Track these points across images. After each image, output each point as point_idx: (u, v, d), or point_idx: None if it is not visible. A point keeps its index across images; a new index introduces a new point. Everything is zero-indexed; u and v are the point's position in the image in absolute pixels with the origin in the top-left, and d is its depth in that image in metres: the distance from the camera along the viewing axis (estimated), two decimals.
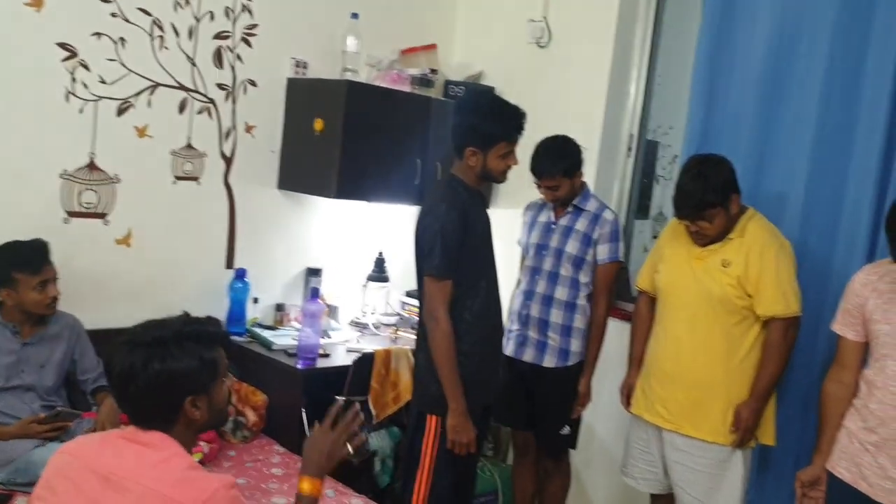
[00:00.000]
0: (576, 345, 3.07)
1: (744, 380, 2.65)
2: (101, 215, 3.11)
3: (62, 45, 2.92)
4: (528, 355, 3.10)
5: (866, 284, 2.35)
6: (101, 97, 3.03)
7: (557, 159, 2.99)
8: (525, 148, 2.85)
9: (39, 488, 1.65)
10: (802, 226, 2.92)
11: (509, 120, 2.61)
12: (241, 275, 3.52)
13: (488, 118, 2.59)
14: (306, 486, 1.75)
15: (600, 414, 3.51)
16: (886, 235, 2.20)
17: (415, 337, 2.78)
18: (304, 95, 3.54)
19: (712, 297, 2.64)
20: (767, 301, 2.59)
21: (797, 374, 2.86)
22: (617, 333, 3.27)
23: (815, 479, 2.43)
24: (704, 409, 2.67)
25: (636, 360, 2.95)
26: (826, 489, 2.41)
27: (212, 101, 3.35)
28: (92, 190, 3.07)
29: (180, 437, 1.62)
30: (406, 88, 3.68)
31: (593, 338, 3.09)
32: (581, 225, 3.05)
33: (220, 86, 3.37)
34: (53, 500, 1.59)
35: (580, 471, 3.64)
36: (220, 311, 3.49)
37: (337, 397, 3.21)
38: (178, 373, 1.59)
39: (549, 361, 3.08)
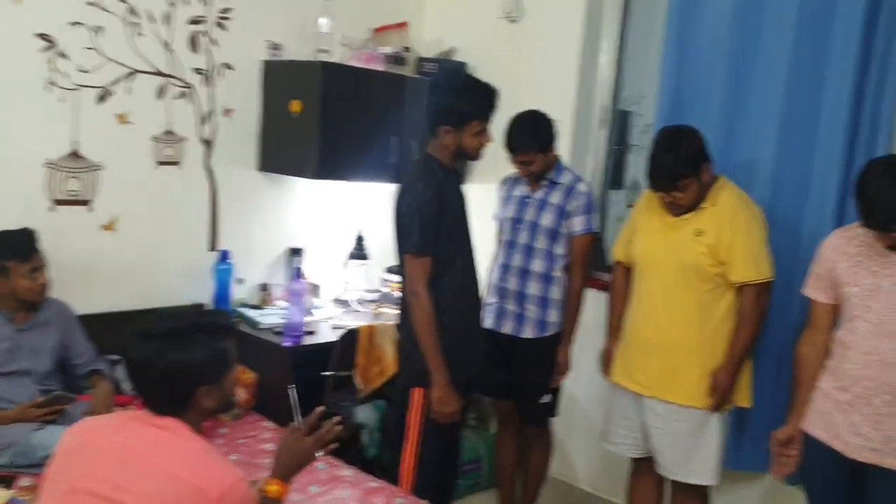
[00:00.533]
0: (553, 315, 3.14)
1: (719, 345, 2.73)
2: (86, 202, 3.14)
3: (40, 36, 2.93)
4: (507, 327, 3.18)
5: (836, 248, 2.42)
6: (81, 86, 3.05)
7: (531, 135, 3.03)
8: (499, 123, 2.91)
9: (52, 468, 1.68)
10: (773, 192, 2.99)
11: (482, 98, 2.65)
12: (224, 256, 3.56)
13: (461, 97, 2.63)
14: (274, 488, 1.84)
15: (580, 382, 3.59)
16: (855, 200, 2.27)
17: (397, 312, 2.85)
18: (279, 77, 3.56)
19: (686, 265, 2.71)
20: (740, 268, 2.66)
21: (771, 338, 2.93)
22: (594, 303, 3.34)
23: (790, 438, 2.51)
24: (681, 375, 2.75)
25: (614, 329, 3.02)
26: (800, 448, 2.51)
27: (189, 85, 3.37)
28: (76, 178, 3.10)
29: (192, 422, 1.68)
30: (380, 67, 3.71)
31: (570, 308, 3.16)
32: (555, 198, 3.11)
33: (197, 70, 3.39)
34: (67, 479, 1.62)
35: (562, 438, 3.74)
36: (206, 293, 3.53)
37: (323, 373, 3.31)
38: (191, 363, 1.66)
39: (527, 332, 3.15)
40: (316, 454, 1.90)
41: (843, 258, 2.40)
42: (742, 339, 2.71)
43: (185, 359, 1.65)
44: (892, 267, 2.28)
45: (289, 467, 1.87)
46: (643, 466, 2.99)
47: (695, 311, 2.73)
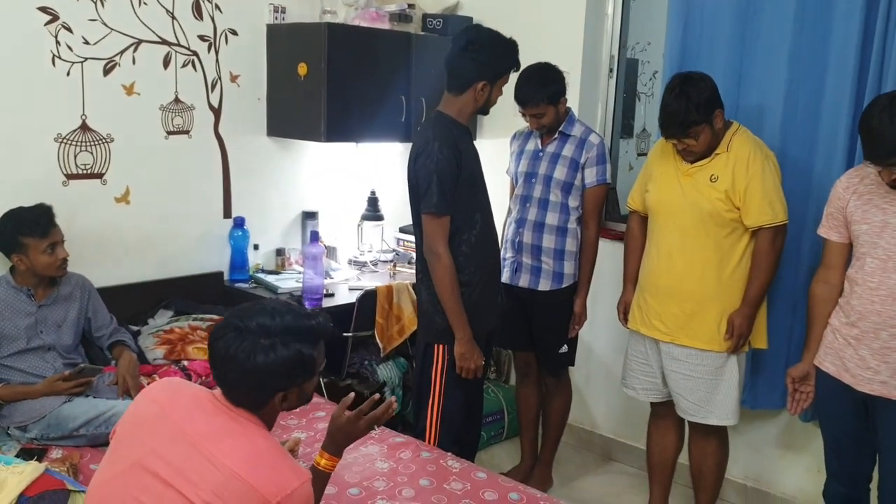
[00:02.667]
0: (569, 267, 3.17)
1: (736, 289, 2.77)
2: (99, 175, 3.16)
3: (43, 10, 2.91)
4: (524, 280, 3.21)
5: (848, 188, 2.45)
6: (86, 58, 3.04)
7: (541, 87, 3.03)
8: (510, 77, 2.90)
9: (124, 429, 1.70)
10: (783, 136, 3.00)
11: (514, 52, 2.72)
12: (239, 223, 3.58)
13: (497, 52, 2.67)
14: (324, 461, 1.89)
15: (597, 332, 3.64)
16: (861, 138, 2.30)
17: (413, 271, 2.87)
18: (285, 41, 3.54)
19: (702, 211, 2.73)
20: (755, 212, 2.68)
21: (784, 280, 2.97)
22: (609, 254, 3.37)
23: (805, 374, 2.58)
24: (699, 319, 2.79)
25: (631, 277, 3.05)
26: (814, 383, 2.57)
27: (195, 53, 3.36)
28: (87, 151, 3.10)
29: (265, 417, 1.68)
30: (385, 26, 3.69)
31: (585, 259, 3.19)
32: (568, 150, 3.12)
33: (202, 37, 3.37)
34: (135, 450, 1.63)
35: (580, 386, 3.80)
36: (223, 260, 3.57)
37: (344, 334, 3.35)
38: (277, 369, 1.62)
39: (544, 285, 3.18)
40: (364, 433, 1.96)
41: (853, 197, 2.43)
42: (758, 282, 2.74)
43: (271, 364, 1.61)
44: None
45: (341, 445, 1.93)
46: (662, 410, 3.06)
47: (712, 257, 2.76)
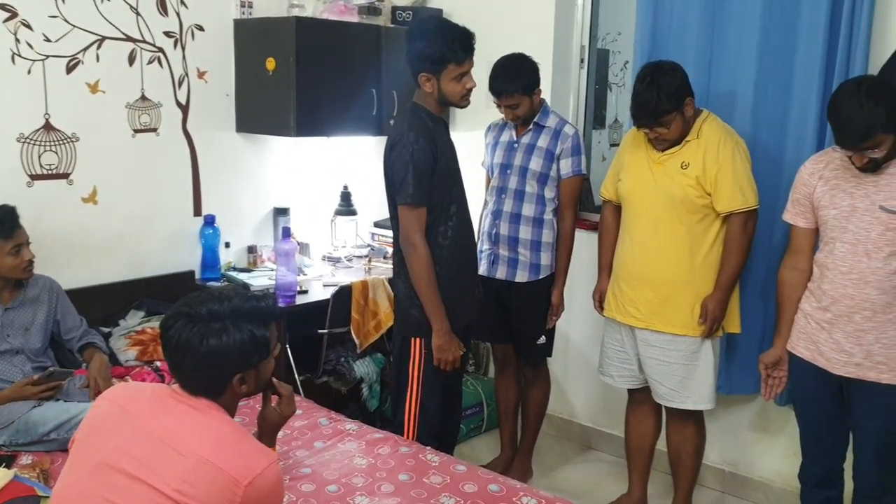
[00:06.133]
0: (546, 258, 3.17)
1: (708, 274, 2.79)
2: (65, 175, 3.10)
3: (1, 7, 2.85)
4: (501, 272, 3.20)
5: (813, 173, 2.48)
6: (47, 56, 2.98)
7: (515, 77, 3.02)
8: (482, 69, 2.89)
9: (84, 433, 1.67)
10: (753, 122, 3.02)
11: (454, 41, 2.59)
12: (210, 221, 3.54)
13: (434, 42, 2.58)
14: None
15: (574, 321, 3.65)
16: (829, 121, 2.32)
17: (388, 266, 2.85)
18: (252, 36, 3.50)
19: (674, 198, 2.74)
20: (726, 197, 2.70)
21: (756, 265, 3.00)
22: (584, 244, 3.38)
23: (777, 359, 2.61)
24: (673, 305, 2.81)
25: (605, 266, 3.06)
26: (787, 368, 2.60)
27: (160, 49, 3.31)
28: (52, 151, 3.04)
29: (226, 404, 1.67)
30: (354, 19, 3.66)
31: (562, 250, 3.19)
32: (543, 141, 3.12)
33: (167, 33, 3.32)
34: (99, 450, 1.61)
35: (558, 376, 3.81)
36: (194, 259, 3.53)
37: (320, 331, 3.33)
38: (231, 351, 1.63)
39: (521, 277, 3.18)
40: (295, 412, 1.98)
41: (820, 182, 2.45)
42: (730, 267, 2.76)
43: (225, 346, 1.62)
44: (866, 187, 2.34)
45: (270, 433, 1.95)
46: (639, 397, 3.07)
47: (684, 243, 2.77)
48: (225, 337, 1.62)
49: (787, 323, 2.58)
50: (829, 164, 2.45)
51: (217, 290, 1.73)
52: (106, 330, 3.12)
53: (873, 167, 2.30)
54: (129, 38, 3.20)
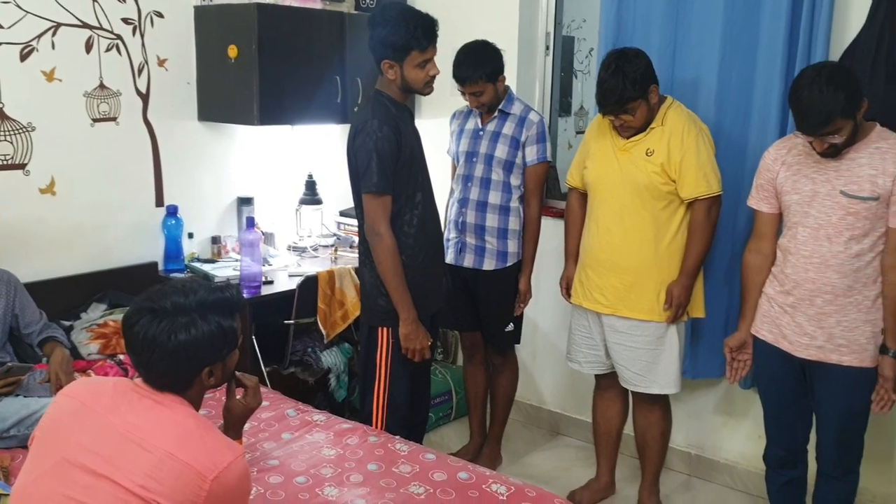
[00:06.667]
0: (512, 246, 3.17)
1: (673, 260, 2.81)
2: (21, 166, 3.02)
3: None
4: (468, 260, 3.20)
5: (776, 159, 2.51)
6: (0, 43, 2.90)
7: (479, 64, 3.01)
8: (446, 56, 2.87)
9: (44, 430, 1.63)
10: (717, 109, 3.05)
11: (417, 28, 2.57)
12: (172, 211, 3.48)
13: (396, 28, 2.56)
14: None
15: (541, 308, 3.66)
16: (792, 111, 2.35)
17: (355, 255, 2.83)
18: (213, 23, 3.44)
19: (639, 185, 2.76)
20: (690, 184, 2.72)
21: (720, 250, 3.03)
22: (551, 231, 3.39)
23: (742, 343, 2.64)
24: (639, 291, 2.83)
25: (572, 253, 3.07)
26: (752, 351, 2.63)
27: (119, 37, 3.23)
28: (7, 141, 2.96)
29: (191, 398, 1.65)
30: (317, 6, 3.61)
31: (528, 238, 3.20)
32: (508, 129, 3.11)
33: (126, 20, 3.24)
34: (60, 447, 1.58)
35: (527, 363, 3.82)
36: (156, 251, 3.47)
37: (286, 322, 3.30)
38: (201, 344, 1.60)
39: (488, 264, 3.18)
40: (260, 403, 1.96)
41: (783, 168, 2.48)
42: (695, 253, 2.79)
43: (194, 340, 1.59)
44: (828, 173, 2.38)
45: (236, 426, 1.94)
46: (606, 382, 3.10)
47: (649, 230, 2.79)
48: (193, 330, 1.60)
49: (751, 307, 2.61)
50: (791, 150, 2.48)
51: (179, 282, 1.70)
52: (67, 323, 3.06)
53: (834, 152, 2.33)
54: (85, 25, 3.12)
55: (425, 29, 2.59)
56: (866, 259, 2.35)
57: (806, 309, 2.43)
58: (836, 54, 2.81)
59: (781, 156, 2.50)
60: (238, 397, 1.92)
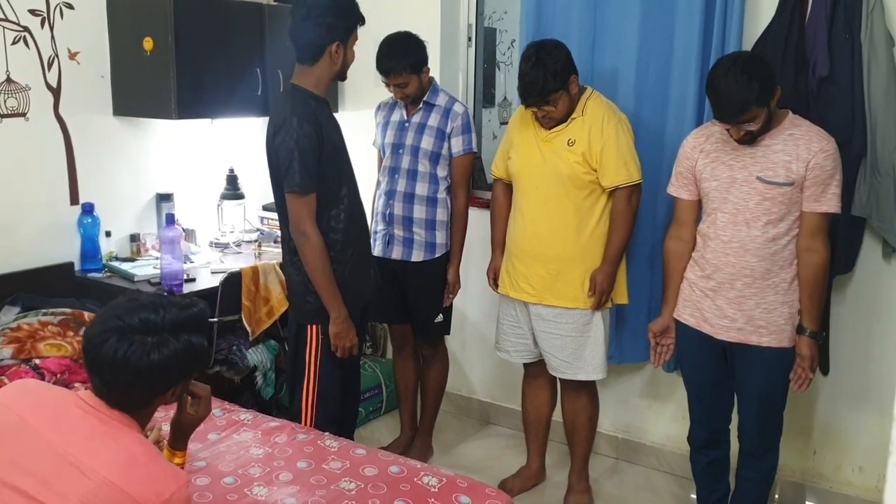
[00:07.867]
0: (440, 237, 3.18)
1: (596, 248, 2.86)
2: None
3: None
4: (396, 252, 3.19)
5: (695, 147, 2.57)
6: None
7: (402, 56, 2.99)
8: (369, 48, 2.84)
9: None
10: (635, 98, 3.10)
11: (355, 6, 2.60)
12: (88, 209, 3.36)
13: (341, 10, 2.55)
14: (178, 460, 1.88)
15: (470, 299, 3.68)
16: (708, 99, 2.41)
17: (279, 250, 2.77)
18: (127, 14, 3.32)
19: (562, 175, 2.79)
20: (611, 172, 2.77)
21: (641, 237, 3.10)
22: (478, 221, 3.40)
23: (665, 328, 2.71)
24: (563, 279, 2.87)
25: (498, 244, 3.10)
26: (675, 335, 2.69)
27: (26, 29, 3.09)
28: None
29: (141, 418, 1.58)
30: None
31: (456, 228, 3.20)
32: (433, 120, 3.11)
33: (33, 12, 3.10)
34: None
35: (456, 354, 3.83)
36: (72, 250, 3.34)
37: (209, 320, 3.22)
38: (173, 364, 1.54)
39: (416, 256, 3.17)
40: (210, 412, 1.92)
41: (701, 155, 2.54)
42: (617, 240, 2.84)
43: (166, 360, 1.52)
44: (744, 159, 2.45)
45: (185, 437, 1.90)
46: (534, 371, 3.14)
47: (573, 219, 2.83)
48: (166, 350, 1.53)
49: (673, 292, 2.67)
50: (709, 138, 2.54)
51: (146, 298, 1.61)
52: None
53: (750, 140, 2.40)
54: None
55: (357, 7, 2.61)
56: (782, 242, 2.43)
57: (726, 292, 2.50)
58: (748, 44, 2.89)
59: (700, 143, 2.56)
60: (188, 408, 1.85)
